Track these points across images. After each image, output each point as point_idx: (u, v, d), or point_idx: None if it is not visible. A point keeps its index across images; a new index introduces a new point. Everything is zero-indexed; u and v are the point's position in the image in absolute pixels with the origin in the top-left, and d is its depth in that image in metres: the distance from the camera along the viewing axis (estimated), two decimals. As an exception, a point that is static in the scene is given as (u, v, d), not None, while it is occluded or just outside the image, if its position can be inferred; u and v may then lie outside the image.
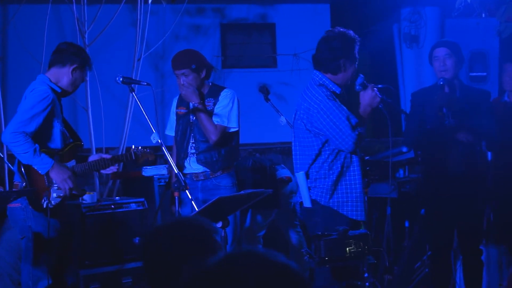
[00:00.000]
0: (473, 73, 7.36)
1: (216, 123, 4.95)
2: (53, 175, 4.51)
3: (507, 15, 6.28)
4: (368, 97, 4.28)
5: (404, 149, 5.84)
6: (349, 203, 4.21)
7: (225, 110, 4.99)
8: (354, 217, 4.20)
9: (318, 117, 4.16)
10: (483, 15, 7.37)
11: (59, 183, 4.53)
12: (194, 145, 5.05)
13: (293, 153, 4.35)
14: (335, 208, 4.19)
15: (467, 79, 7.22)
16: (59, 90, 4.61)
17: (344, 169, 4.22)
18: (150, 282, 2.15)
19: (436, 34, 7.64)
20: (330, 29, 4.42)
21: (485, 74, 7.36)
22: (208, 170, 5.02)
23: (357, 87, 4.33)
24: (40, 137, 4.49)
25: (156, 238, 2.19)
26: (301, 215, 4.40)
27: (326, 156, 4.21)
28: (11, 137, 4.40)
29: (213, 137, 4.93)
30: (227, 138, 5.02)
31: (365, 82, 4.30)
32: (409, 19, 7.85)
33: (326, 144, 4.20)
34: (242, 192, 4.32)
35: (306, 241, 5.96)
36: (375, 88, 4.30)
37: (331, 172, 4.20)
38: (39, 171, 4.49)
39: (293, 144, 4.36)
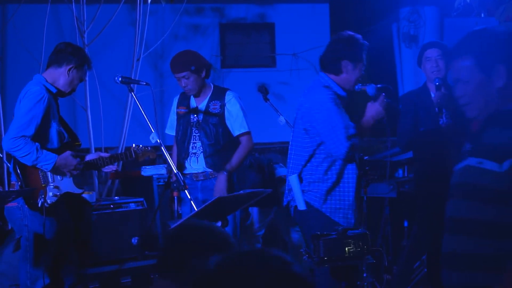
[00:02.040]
0: (472, 73, 7.33)
1: (241, 132, 5.04)
2: (61, 162, 4.49)
3: (506, 14, 6.28)
4: (375, 110, 4.26)
5: (403, 149, 5.83)
6: (341, 211, 4.21)
7: (240, 118, 5.05)
8: (345, 225, 4.18)
9: (318, 117, 4.16)
10: (482, 14, 7.36)
11: (69, 171, 4.53)
12: (195, 144, 5.05)
13: (288, 152, 4.36)
14: (328, 214, 4.20)
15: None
16: (54, 90, 4.58)
17: (339, 177, 4.21)
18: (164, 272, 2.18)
19: (435, 34, 7.63)
20: (341, 32, 4.40)
21: (484, 74, 7.33)
22: (209, 170, 5.02)
23: (356, 87, 4.31)
24: (37, 137, 4.46)
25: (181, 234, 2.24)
26: (295, 218, 4.39)
27: (321, 160, 4.21)
28: (11, 143, 4.38)
29: (249, 146, 5.10)
30: (237, 141, 5.06)
31: (377, 93, 4.27)
32: (408, 19, 7.84)
33: (321, 147, 4.20)
34: (241, 192, 4.32)
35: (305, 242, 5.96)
36: (385, 101, 4.25)
37: (325, 177, 4.20)
38: (45, 169, 4.48)
39: (290, 144, 4.37)
